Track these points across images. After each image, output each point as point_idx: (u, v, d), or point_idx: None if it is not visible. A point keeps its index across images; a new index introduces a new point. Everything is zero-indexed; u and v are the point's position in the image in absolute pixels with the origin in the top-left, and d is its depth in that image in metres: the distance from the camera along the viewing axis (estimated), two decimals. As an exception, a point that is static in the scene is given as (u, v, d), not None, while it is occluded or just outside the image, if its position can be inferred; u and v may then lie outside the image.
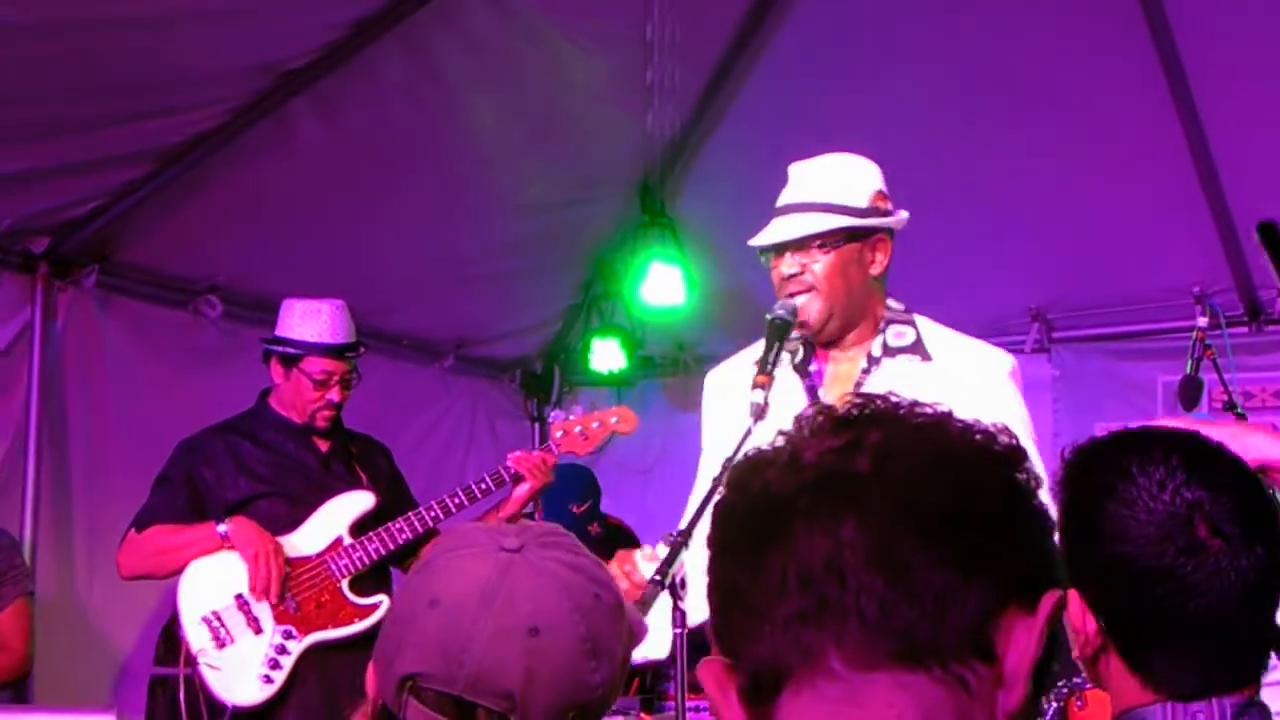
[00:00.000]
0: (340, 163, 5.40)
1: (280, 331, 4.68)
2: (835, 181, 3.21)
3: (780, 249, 3.19)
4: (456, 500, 4.61)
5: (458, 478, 6.53)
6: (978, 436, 1.06)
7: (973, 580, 0.99)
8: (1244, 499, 1.68)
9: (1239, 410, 4.49)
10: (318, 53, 4.88)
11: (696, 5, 5.28)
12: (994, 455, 1.06)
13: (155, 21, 4.42)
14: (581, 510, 5.57)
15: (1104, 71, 5.57)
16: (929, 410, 1.08)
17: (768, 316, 3.16)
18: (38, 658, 4.75)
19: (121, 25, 4.36)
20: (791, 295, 3.16)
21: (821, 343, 3.23)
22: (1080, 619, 1.69)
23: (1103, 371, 6.58)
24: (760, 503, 1.05)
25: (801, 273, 3.16)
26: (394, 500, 4.74)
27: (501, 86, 5.53)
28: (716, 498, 1.12)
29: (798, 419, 1.08)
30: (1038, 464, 3.16)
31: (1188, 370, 4.44)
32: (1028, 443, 3.06)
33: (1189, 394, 4.42)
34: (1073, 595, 1.69)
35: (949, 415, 1.08)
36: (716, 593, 1.08)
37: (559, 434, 4.77)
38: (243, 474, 4.58)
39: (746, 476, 1.07)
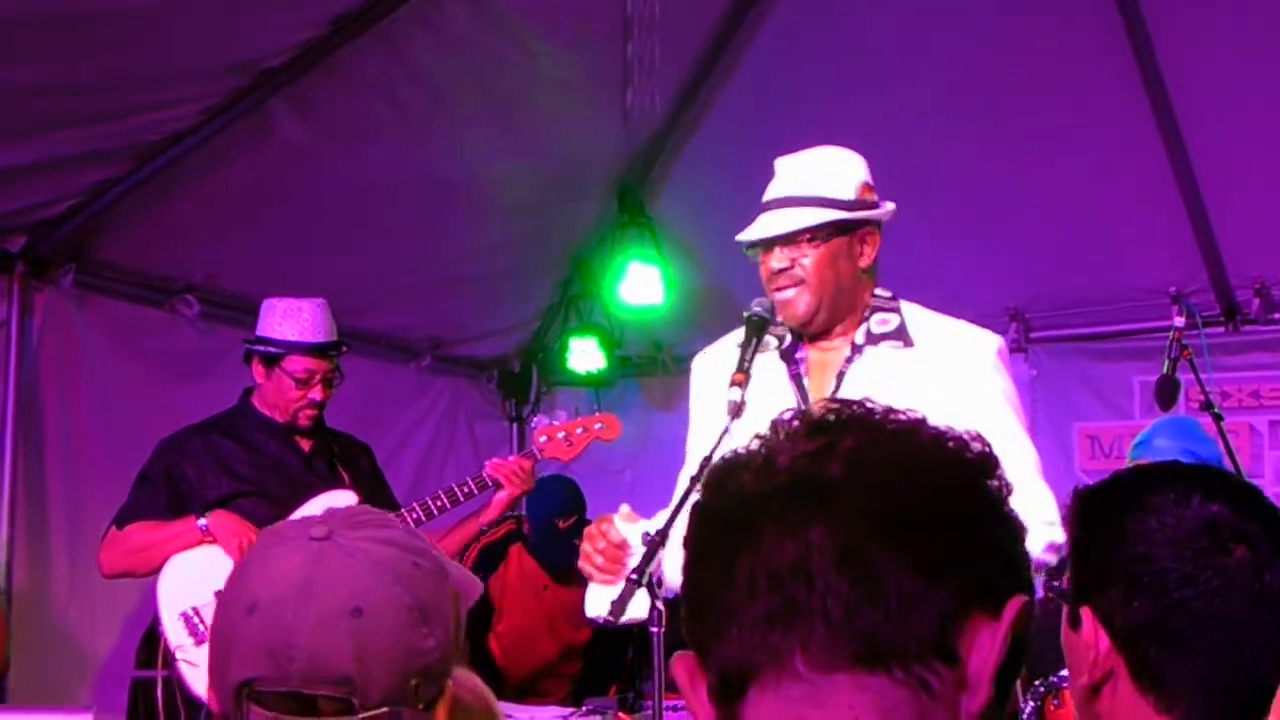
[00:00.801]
0: (318, 161, 5.38)
1: (261, 331, 4.66)
2: (822, 174, 3.20)
3: (769, 244, 3.17)
4: (439, 502, 4.61)
5: (436, 477, 6.55)
6: (950, 444, 1.08)
7: (938, 585, 1.01)
8: (1268, 517, 1.64)
9: (1216, 410, 4.50)
10: (295, 50, 4.86)
11: (674, 8, 5.27)
12: (965, 463, 1.08)
13: (131, 18, 4.39)
14: (567, 525, 5.56)
15: (1081, 73, 5.59)
16: (903, 417, 1.09)
17: (745, 313, 3.16)
18: (15, 658, 4.73)
19: (97, 21, 4.33)
20: (780, 289, 3.16)
21: (809, 335, 3.23)
22: (1092, 634, 1.63)
23: (1080, 371, 6.61)
24: (733, 505, 1.06)
25: (791, 267, 3.15)
26: (375, 500, 4.73)
27: (480, 86, 5.52)
28: (693, 499, 1.13)
29: (774, 423, 1.10)
30: (1027, 444, 3.19)
31: (1165, 370, 4.46)
32: (1016, 423, 3.11)
33: (1166, 394, 4.44)
34: (1085, 613, 1.64)
35: (923, 422, 1.09)
36: (689, 592, 1.09)
37: (542, 439, 4.76)
38: (224, 473, 4.57)
39: (721, 478, 1.09)
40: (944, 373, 3.07)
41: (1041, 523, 2.90)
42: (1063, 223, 6.11)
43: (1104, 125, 5.73)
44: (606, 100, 5.62)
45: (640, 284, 6.37)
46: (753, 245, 3.21)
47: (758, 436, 1.09)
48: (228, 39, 4.71)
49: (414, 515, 4.55)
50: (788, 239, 3.15)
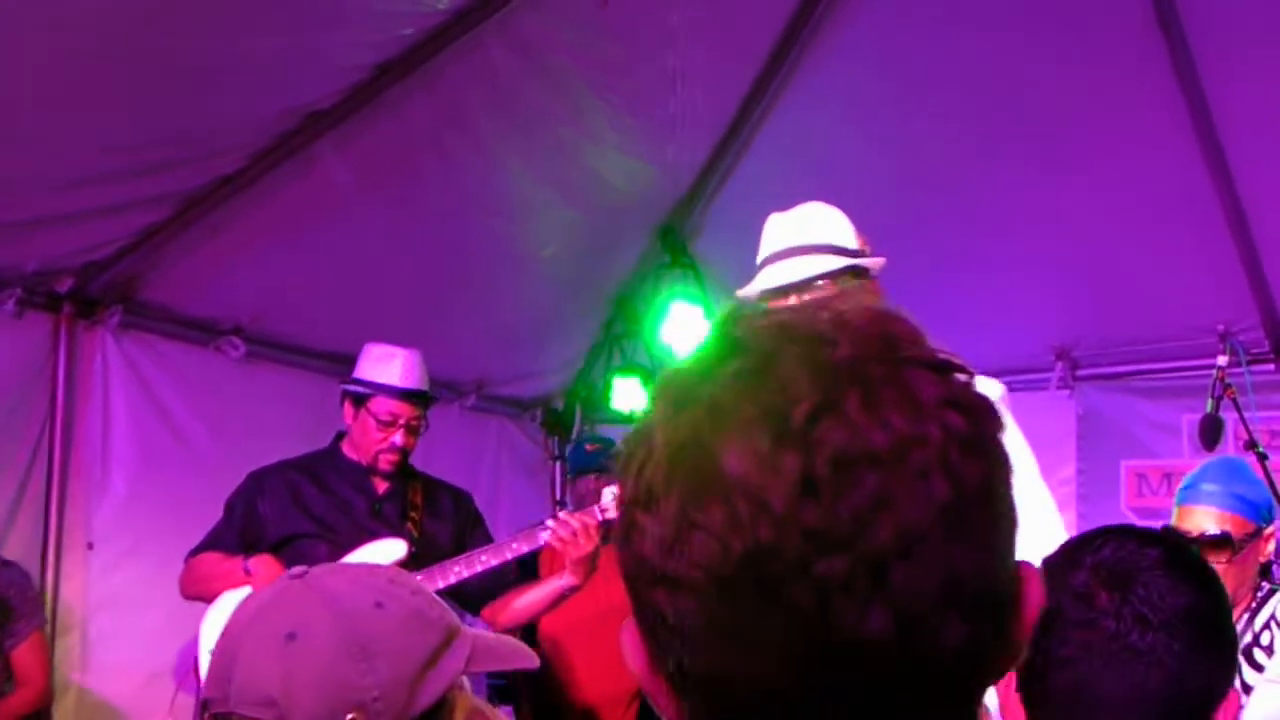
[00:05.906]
0: (364, 204, 5.41)
1: (356, 373, 4.76)
2: (826, 225, 3.17)
3: (782, 293, 3.12)
4: (484, 559, 4.55)
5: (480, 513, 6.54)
6: None
7: None
8: (1177, 586, 1.49)
9: (1259, 449, 4.45)
10: (342, 94, 4.90)
11: (717, 51, 5.29)
12: None
13: (181, 64, 4.44)
14: (594, 449, 5.94)
15: (1128, 109, 5.55)
16: None
17: None
18: (77, 708, 4.76)
19: (145, 69, 4.38)
20: None
21: None
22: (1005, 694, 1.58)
23: (1128, 409, 6.54)
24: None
25: None
26: (432, 549, 4.68)
27: (523, 127, 5.54)
28: None
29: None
30: (1045, 492, 3.15)
31: (1208, 409, 4.41)
32: (1033, 468, 3.05)
33: (1209, 433, 4.40)
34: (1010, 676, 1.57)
35: None
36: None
37: (609, 498, 4.46)
38: (294, 512, 4.59)
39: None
40: None
41: None
42: (1110, 260, 6.06)
43: (1151, 161, 5.69)
44: (649, 142, 5.64)
45: (683, 324, 6.37)
46: (767, 294, 3.14)
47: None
48: (273, 84, 4.74)
49: (457, 572, 4.50)
50: (804, 287, 3.09)
